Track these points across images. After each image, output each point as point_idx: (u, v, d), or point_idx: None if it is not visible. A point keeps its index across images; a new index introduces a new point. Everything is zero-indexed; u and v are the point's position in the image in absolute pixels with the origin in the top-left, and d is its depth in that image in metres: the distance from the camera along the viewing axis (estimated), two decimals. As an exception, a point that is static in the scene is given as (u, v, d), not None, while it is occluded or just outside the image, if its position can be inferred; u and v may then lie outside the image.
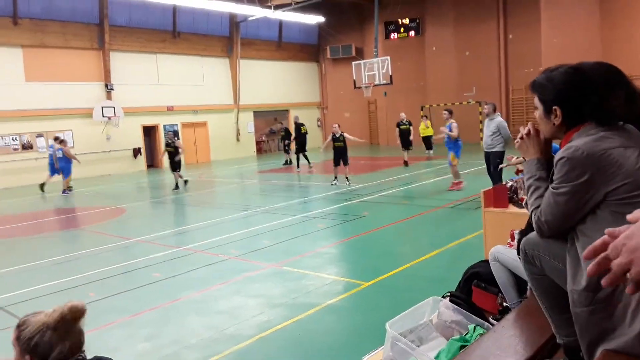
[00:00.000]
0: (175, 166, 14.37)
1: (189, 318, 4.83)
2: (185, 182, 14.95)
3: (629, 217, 0.85)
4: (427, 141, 19.11)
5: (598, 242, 0.85)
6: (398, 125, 16.75)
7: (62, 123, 19.63)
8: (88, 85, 20.27)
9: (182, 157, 14.91)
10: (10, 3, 18.02)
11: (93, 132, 20.40)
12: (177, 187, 14.39)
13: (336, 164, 12.78)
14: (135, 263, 6.94)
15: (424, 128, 19.16)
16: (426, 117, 19.74)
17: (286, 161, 19.70)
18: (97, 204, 12.99)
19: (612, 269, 0.80)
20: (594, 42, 19.48)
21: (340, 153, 12.68)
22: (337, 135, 12.73)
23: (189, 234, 8.70)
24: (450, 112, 11.21)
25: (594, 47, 19.08)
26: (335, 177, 12.99)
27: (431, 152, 19.15)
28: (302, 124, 17.97)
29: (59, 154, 15.11)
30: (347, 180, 12.72)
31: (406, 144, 16.24)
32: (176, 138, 15.45)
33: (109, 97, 20.76)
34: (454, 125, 10.98)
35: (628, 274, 0.78)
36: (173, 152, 14.40)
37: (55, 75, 19.32)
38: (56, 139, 15.59)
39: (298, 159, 17.53)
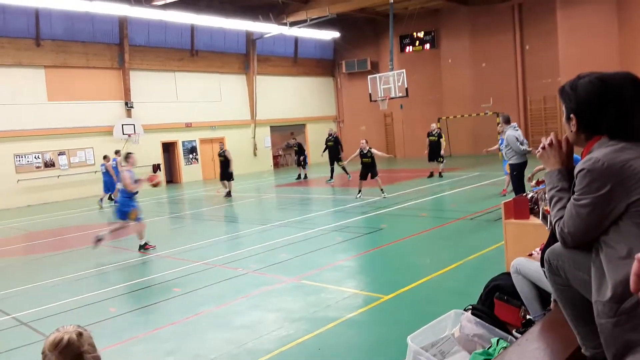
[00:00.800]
0: (228, 176, 15.38)
1: (209, 333, 4.84)
2: (228, 193, 15.57)
3: None
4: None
5: (636, 265, 0.86)
6: (428, 135, 16.40)
7: (84, 141, 20.03)
8: (108, 104, 20.69)
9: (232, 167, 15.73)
10: (33, 25, 18.56)
11: (113, 149, 20.72)
12: (229, 194, 15.44)
13: (362, 177, 12.77)
14: (156, 278, 7.00)
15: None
16: (440, 129, 19.60)
17: (299, 175, 19.72)
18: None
19: None
20: (612, 52, 19.28)
21: (367, 168, 12.68)
22: (365, 152, 12.69)
23: (208, 248, 8.75)
24: (507, 120, 9.74)
25: (612, 57, 18.88)
26: (360, 191, 12.94)
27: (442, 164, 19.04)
28: (328, 138, 17.85)
29: (102, 169, 16.36)
30: (382, 192, 12.61)
31: (432, 155, 15.86)
32: (226, 149, 16.31)
33: (128, 115, 21.15)
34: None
35: None
36: (224, 161, 15.33)
37: (77, 94, 19.78)
38: (117, 152, 16.70)
39: (332, 170, 17.48)
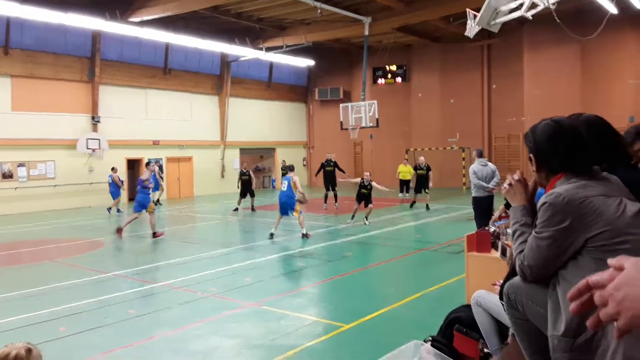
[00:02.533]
0: (252, 193, 17.06)
1: (164, 357, 4.67)
2: (236, 209, 16.81)
3: (610, 262, 0.86)
4: (406, 184, 19.32)
5: (582, 283, 0.87)
6: (415, 169, 16.58)
7: (46, 153, 19.44)
8: (74, 117, 20.20)
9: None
10: (3, 33, 18.12)
11: (76, 163, 20.20)
12: (253, 209, 16.87)
13: (359, 203, 13.02)
14: (110, 298, 6.75)
15: (404, 171, 19.38)
16: (407, 160, 19.93)
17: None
18: (75, 236, 12.72)
19: (600, 317, 0.82)
20: (574, 96, 20.16)
21: (364, 197, 12.99)
22: (366, 184, 12.96)
23: (167, 269, 8.52)
24: (477, 154, 10.00)
25: (574, 101, 19.72)
26: (353, 217, 13.07)
27: (407, 195, 19.31)
28: (327, 162, 17.74)
29: (109, 180, 17.82)
30: (366, 220, 12.90)
31: (420, 187, 16.09)
32: (249, 169, 18.05)
33: (94, 129, 20.69)
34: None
35: (616, 323, 0.80)
36: (248, 180, 17.14)
37: (43, 105, 19.26)
38: (113, 169, 18.03)
39: (326, 196, 17.41)
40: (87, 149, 20.05)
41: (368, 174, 13.34)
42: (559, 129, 1.95)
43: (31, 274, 8.71)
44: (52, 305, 6.41)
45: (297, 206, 11.15)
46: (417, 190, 16.10)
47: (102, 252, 10.50)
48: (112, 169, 18.06)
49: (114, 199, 17.91)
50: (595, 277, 0.85)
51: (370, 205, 12.97)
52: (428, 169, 16.27)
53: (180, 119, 23.79)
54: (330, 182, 17.38)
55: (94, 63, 20.41)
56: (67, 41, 19.79)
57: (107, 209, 17.80)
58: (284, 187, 11.34)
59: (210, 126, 25.21)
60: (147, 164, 12.33)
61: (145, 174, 12.16)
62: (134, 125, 22.02)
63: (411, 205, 16.10)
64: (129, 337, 5.20)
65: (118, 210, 17.85)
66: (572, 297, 0.87)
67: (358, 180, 13.27)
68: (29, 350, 1.59)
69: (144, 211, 11.89)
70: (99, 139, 20.38)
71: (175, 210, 18.24)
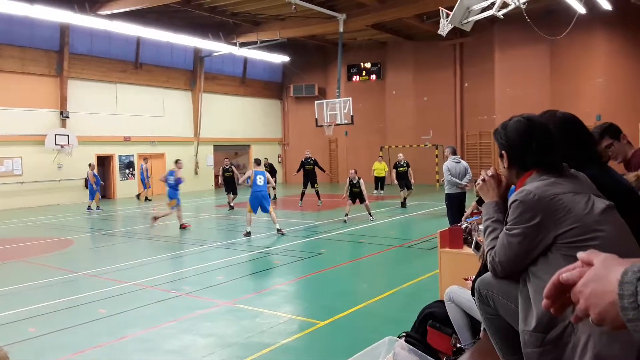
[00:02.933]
0: (234, 190, 16.75)
1: (136, 357, 4.60)
2: (231, 207, 16.40)
3: (580, 255, 0.88)
4: (381, 181, 19.48)
5: (555, 279, 0.89)
6: (395, 166, 16.47)
7: (12, 149, 18.87)
8: (42, 112, 19.67)
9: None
10: (-34, 25, 17.52)
11: (44, 160, 19.67)
12: (231, 207, 16.47)
13: (353, 201, 13.08)
14: (81, 298, 6.60)
15: (379, 168, 19.52)
16: (382, 157, 20.08)
17: (274, 196, 19.31)
18: (43, 234, 12.40)
19: (576, 313, 0.85)
20: (544, 94, 20.62)
21: (357, 196, 13.02)
22: (355, 182, 12.95)
23: (139, 268, 8.38)
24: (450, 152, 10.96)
25: (544, 99, 20.17)
26: (347, 214, 13.00)
27: (382, 192, 19.49)
28: (307, 161, 17.63)
29: (86, 176, 17.98)
30: (370, 216, 13.05)
31: (403, 183, 16.02)
32: (232, 164, 17.89)
33: (63, 125, 20.18)
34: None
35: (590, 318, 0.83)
36: (231, 176, 16.89)
37: (9, 100, 18.68)
38: (90, 165, 18.04)
39: (303, 193, 17.24)
40: (56, 145, 19.56)
41: (353, 171, 13.19)
42: (531, 126, 1.98)
43: (6, 271, 8.46)
44: (20, 306, 6.23)
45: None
46: (401, 186, 16.09)
47: (71, 250, 10.26)
48: (89, 165, 17.98)
49: (91, 196, 17.67)
50: (565, 275, 0.87)
51: (366, 202, 12.98)
52: (408, 165, 16.36)
53: (152, 115, 23.40)
54: (309, 179, 17.33)
55: (62, 57, 19.89)
56: (34, 34, 19.23)
57: (87, 208, 17.61)
58: (260, 181, 11.10)
59: (183, 122, 24.88)
60: (177, 161, 12.92)
61: (179, 172, 12.67)
62: (104, 121, 21.57)
63: (403, 204, 15.83)
64: (101, 337, 5.09)
65: (98, 207, 17.57)
66: (548, 296, 0.89)
67: (347, 183, 13.23)
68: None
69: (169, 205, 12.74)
70: (67, 135, 19.90)
71: (148, 208, 17.95)
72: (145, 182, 21.14)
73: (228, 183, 17.04)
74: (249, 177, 11.19)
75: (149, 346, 4.85)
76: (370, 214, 13.10)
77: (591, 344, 1.57)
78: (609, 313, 0.78)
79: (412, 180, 16.26)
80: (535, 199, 1.81)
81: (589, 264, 0.86)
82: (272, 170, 19.35)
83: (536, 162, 1.93)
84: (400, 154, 17.22)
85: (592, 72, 19.86)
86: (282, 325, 5.32)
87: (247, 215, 11.23)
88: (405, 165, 16.30)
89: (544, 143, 1.93)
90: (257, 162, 11.97)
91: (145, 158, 21.83)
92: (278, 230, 11.12)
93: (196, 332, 5.20)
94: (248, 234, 11.06)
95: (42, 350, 4.81)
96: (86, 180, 18.15)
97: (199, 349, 4.71)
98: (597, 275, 0.82)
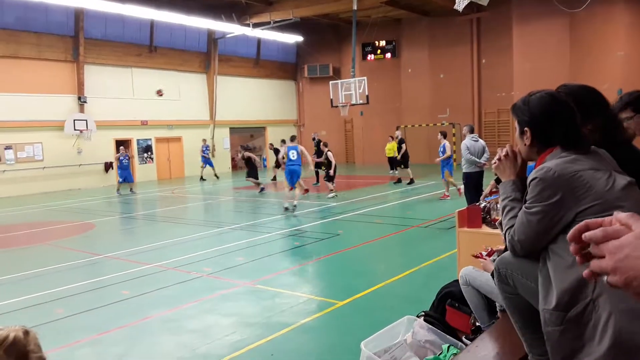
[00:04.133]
0: (255, 175, 16.28)
1: (160, 337, 4.72)
2: (262, 189, 15.97)
3: (618, 215, 0.87)
4: (393, 161, 19.34)
5: (582, 225, 0.88)
6: (401, 142, 16.55)
7: (33, 135, 19.19)
8: (60, 98, 19.91)
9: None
10: (-17, 12, 17.69)
11: (64, 145, 19.98)
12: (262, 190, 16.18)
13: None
14: (104, 280, 6.77)
15: (390, 148, 19.35)
16: (392, 137, 19.91)
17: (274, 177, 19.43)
18: (66, 218, 12.66)
19: (592, 267, 0.84)
20: (563, 69, 20.15)
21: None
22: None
23: (161, 250, 8.54)
24: (444, 135, 12.81)
25: (564, 74, 19.72)
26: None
27: (396, 172, 19.33)
28: (318, 141, 17.91)
29: (126, 162, 17.68)
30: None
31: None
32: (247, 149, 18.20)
33: (81, 110, 20.42)
34: (447, 145, 12.53)
35: (606, 277, 0.82)
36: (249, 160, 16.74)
37: (27, 86, 18.93)
38: (120, 148, 18.27)
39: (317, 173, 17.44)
40: (75, 130, 19.83)
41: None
42: (554, 102, 1.95)
43: (25, 256, 8.69)
44: (47, 288, 6.42)
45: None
46: (407, 165, 16.13)
47: (94, 234, 10.47)
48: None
49: (126, 179, 17.69)
50: (588, 234, 0.86)
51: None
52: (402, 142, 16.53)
53: (168, 99, 23.51)
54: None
55: (77, 42, 20.01)
56: (49, 20, 19.35)
57: (117, 191, 17.64)
58: (294, 156, 11.61)
59: (198, 105, 24.96)
60: (284, 141, 13.41)
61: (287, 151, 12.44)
62: (121, 105, 21.75)
63: (411, 181, 15.98)
64: (125, 318, 5.23)
65: (118, 191, 17.62)
66: (572, 238, 0.89)
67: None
68: (26, 333, 1.57)
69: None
70: (85, 120, 20.14)
71: (167, 191, 18.18)
72: (209, 161, 21.77)
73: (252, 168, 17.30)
74: (283, 155, 11.99)
75: (173, 326, 4.97)
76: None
77: (612, 322, 1.57)
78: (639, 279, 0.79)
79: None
80: (555, 176, 1.79)
81: (627, 226, 0.85)
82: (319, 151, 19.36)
83: (560, 138, 1.90)
84: (398, 131, 17.46)
85: (613, 45, 19.33)
86: (302, 305, 5.39)
87: (285, 191, 11.62)
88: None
89: (568, 119, 1.91)
90: (291, 138, 12.59)
91: (204, 139, 22.49)
92: (286, 208, 11.30)
93: (218, 312, 5.31)
94: (286, 209, 11.31)
95: (70, 331, 4.96)
96: (108, 164, 18.34)
97: (221, 329, 4.81)
98: (638, 240, 0.82)
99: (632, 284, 0.79)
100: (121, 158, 17.63)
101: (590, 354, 1.62)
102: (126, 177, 17.63)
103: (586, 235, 0.86)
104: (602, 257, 0.83)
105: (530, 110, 1.98)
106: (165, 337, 4.71)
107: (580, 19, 18.92)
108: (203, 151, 21.81)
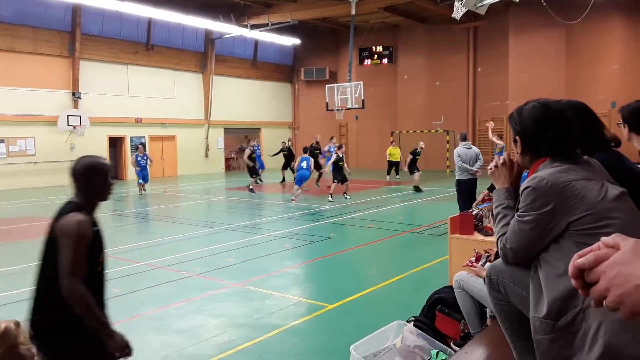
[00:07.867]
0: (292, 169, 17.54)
1: (147, 335, 4.68)
2: (251, 190, 16.06)
3: (604, 239, 0.87)
4: (396, 166, 19.35)
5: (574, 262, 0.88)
6: (415, 154, 16.54)
7: (25, 130, 19.05)
8: (54, 93, 19.78)
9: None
10: (-21, 5, 17.57)
11: (57, 140, 19.84)
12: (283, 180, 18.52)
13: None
14: (94, 277, 6.69)
15: (393, 153, 19.40)
16: (393, 142, 19.95)
17: (283, 179, 19.45)
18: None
19: (591, 294, 0.84)
20: (559, 80, 20.30)
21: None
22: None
23: (151, 249, 8.49)
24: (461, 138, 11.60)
25: (559, 85, 19.87)
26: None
27: (398, 177, 19.34)
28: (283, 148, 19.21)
29: (144, 162, 16.83)
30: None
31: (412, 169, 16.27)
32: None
33: (75, 106, 20.30)
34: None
35: (605, 301, 0.82)
36: (289, 155, 18.81)
37: (21, 80, 18.80)
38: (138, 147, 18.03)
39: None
40: (68, 125, 19.70)
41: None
42: (546, 113, 1.95)
43: (12, 252, 8.60)
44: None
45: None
46: (412, 172, 16.17)
47: (84, 230, 10.36)
48: (137, 147, 17.97)
49: (145, 179, 16.68)
50: (579, 261, 0.86)
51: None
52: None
53: (163, 97, 23.43)
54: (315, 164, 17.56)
55: (74, 37, 19.91)
56: (47, 14, 19.25)
57: (140, 193, 16.58)
58: (304, 165, 13.67)
59: (194, 105, 24.89)
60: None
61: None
62: (116, 102, 21.64)
63: (419, 189, 15.82)
64: (113, 315, 5.15)
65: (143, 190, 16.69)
66: (573, 276, 0.89)
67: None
68: (17, 324, 1.57)
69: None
70: (79, 116, 20.02)
71: (159, 190, 18.10)
72: (262, 162, 19.64)
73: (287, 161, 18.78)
74: (299, 163, 14.03)
75: (161, 325, 4.94)
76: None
77: (602, 332, 1.57)
78: (632, 296, 0.78)
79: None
80: (548, 186, 1.80)
81: (615, 247, 0.85)
82: (290, 154, 19.41)
83: (550, 149, 1.91)
84: (422, 142, 17.38)
85: (608, 58, 19.51)
86: (291, 308, 5.37)
87: (295, 188, 13.70)
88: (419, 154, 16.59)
89: (559, 130, 1.91)
90: (304, 150, 14.58)
91: (251, 138, 22.33)
92: (292, 199, 13.34)
93: (207, 312, 5.28)
94: (293, 200, 13.39)
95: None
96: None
97: (209, 329, 4.78)
98: (626, 258, 0.82)
99: (626, 301, 0.79)
100: (138, 158, 16.73)
101: (579, 363, 1.62)
102: (144, 176, 16.73)
103: (578, 262, 0.87)
104: (597, 281, 0.83)
105: (521, 120, 2.00)
106: (153, 336, 4.67)
107: (577, 30, 19.08)
108: (254, 151, 18.16)
